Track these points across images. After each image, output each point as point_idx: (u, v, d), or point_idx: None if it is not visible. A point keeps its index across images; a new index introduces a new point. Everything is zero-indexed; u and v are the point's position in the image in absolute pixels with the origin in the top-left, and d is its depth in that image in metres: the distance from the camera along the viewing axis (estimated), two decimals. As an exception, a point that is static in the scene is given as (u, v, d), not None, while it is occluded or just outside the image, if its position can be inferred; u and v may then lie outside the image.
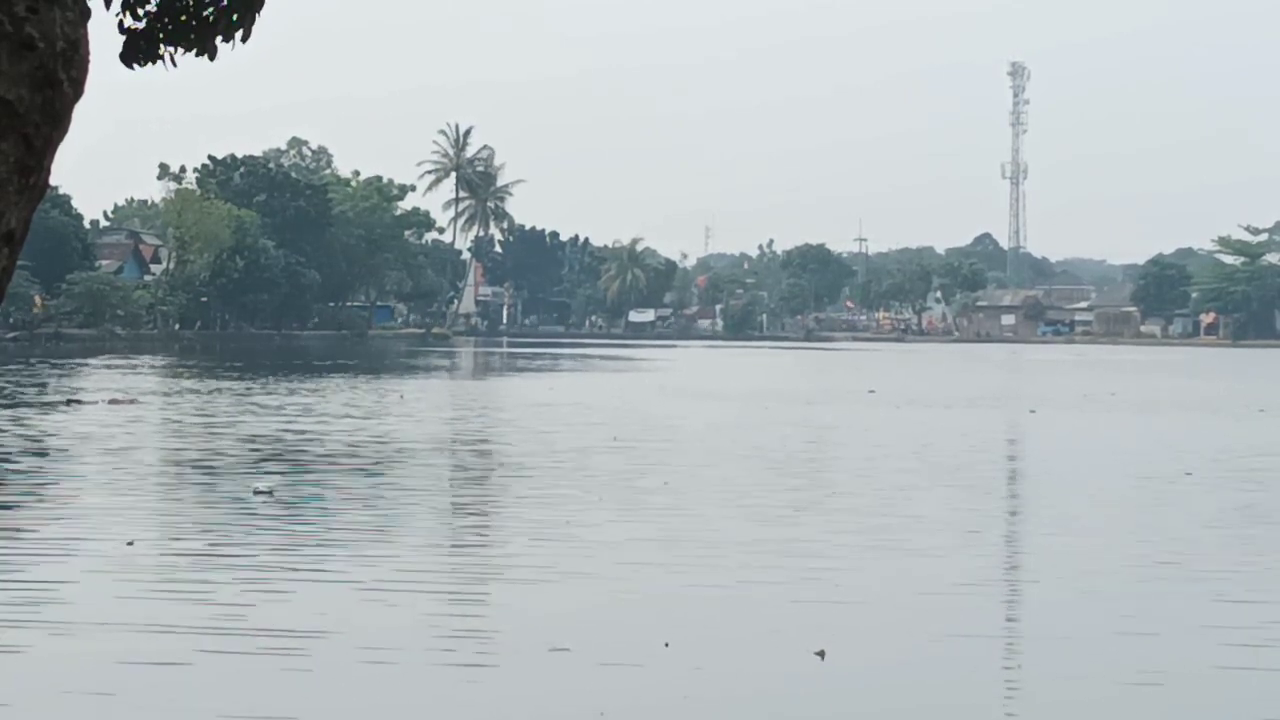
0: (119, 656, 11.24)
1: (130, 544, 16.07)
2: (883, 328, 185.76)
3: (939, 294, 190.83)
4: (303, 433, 31.29)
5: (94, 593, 13.59)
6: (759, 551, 16.32)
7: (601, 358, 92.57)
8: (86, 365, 65.09)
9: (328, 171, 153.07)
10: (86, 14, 4.60)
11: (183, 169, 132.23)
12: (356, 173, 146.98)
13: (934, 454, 28.61)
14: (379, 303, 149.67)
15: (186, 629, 12.06)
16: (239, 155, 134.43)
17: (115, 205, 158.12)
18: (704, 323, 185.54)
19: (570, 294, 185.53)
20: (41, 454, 26.26)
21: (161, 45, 5.10)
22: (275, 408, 39.15)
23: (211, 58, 5.15)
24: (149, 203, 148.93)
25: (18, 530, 17.44)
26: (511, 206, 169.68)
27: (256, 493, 20.39)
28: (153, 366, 66.17)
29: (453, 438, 32.09)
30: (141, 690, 10.45)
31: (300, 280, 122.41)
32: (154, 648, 11.47)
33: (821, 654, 11.45)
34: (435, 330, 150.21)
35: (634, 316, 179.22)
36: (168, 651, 11.32)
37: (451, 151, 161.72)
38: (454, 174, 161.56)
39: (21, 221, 4.49)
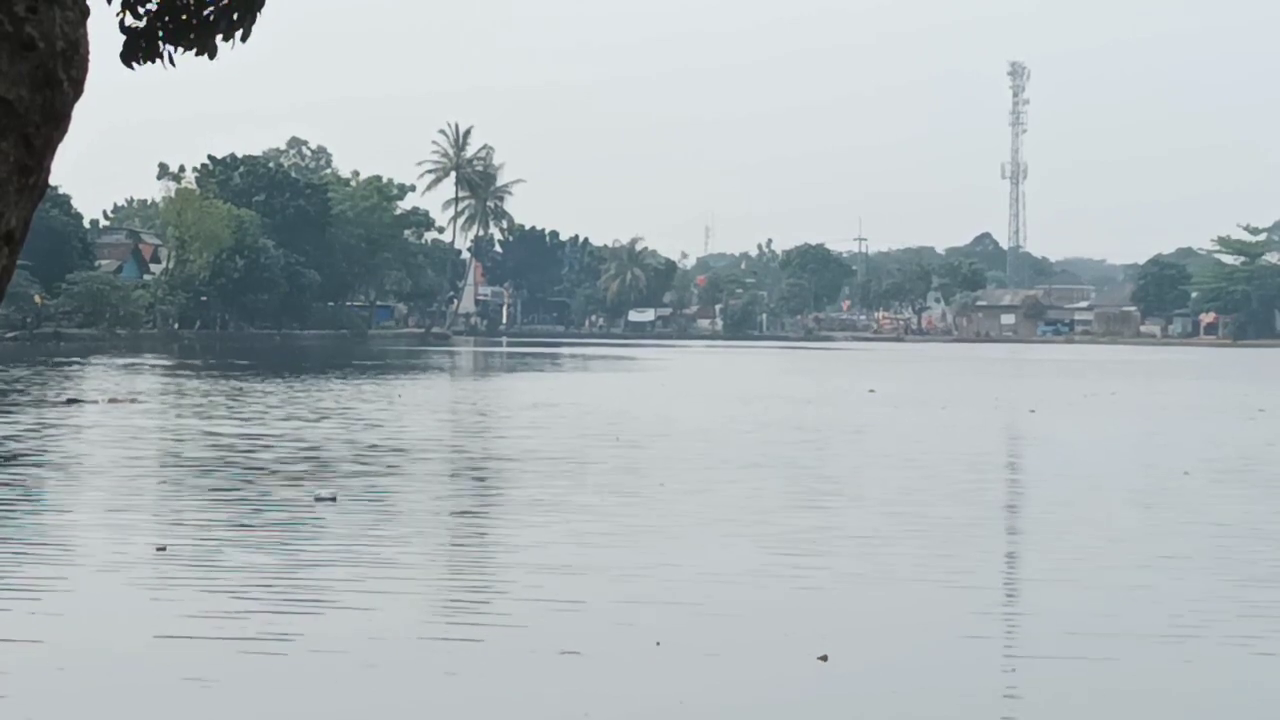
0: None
1: (161, 549, 15.83)
2: (882, 327, 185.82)
3: (939, 294, 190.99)
4: (302, 436, 31.27)
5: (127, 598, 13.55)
6: (760, 553, 16.28)
7: (601, 358, 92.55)
8: (86, 365, 65.07)
9: (327, 171, 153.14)
10: (86, 13, 4.57)
11: (182, 169, 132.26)
12: (356, 173, 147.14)
13: (934, 455, 28.57)
14: (379, 302, 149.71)
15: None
16: (239, 155, 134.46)
17: (115, 205, 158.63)
18: (703, 322, 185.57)
19: (570, 294, 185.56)
20: (43, 455, 26.21)
21: (162, 44, 5.08)
22: (277, 408, 39.13)
23: (212, 56, 5.13)
24: (149, 202, 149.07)
25: (31, 532, 17.39)
26: (511, 206, 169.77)
27: (319, 499, 19.92)
28: (152, 366, 66.12)
29: (452, 440, 32.06)
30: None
31: (300, 280, 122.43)
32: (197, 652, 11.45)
33: (824, 658, 11.41)
34: (435, 330, 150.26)
35: (634, 316, 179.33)
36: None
37: (451, 151, 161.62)
38: (454, 174, 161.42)
39: (21, 221, 4.47)
